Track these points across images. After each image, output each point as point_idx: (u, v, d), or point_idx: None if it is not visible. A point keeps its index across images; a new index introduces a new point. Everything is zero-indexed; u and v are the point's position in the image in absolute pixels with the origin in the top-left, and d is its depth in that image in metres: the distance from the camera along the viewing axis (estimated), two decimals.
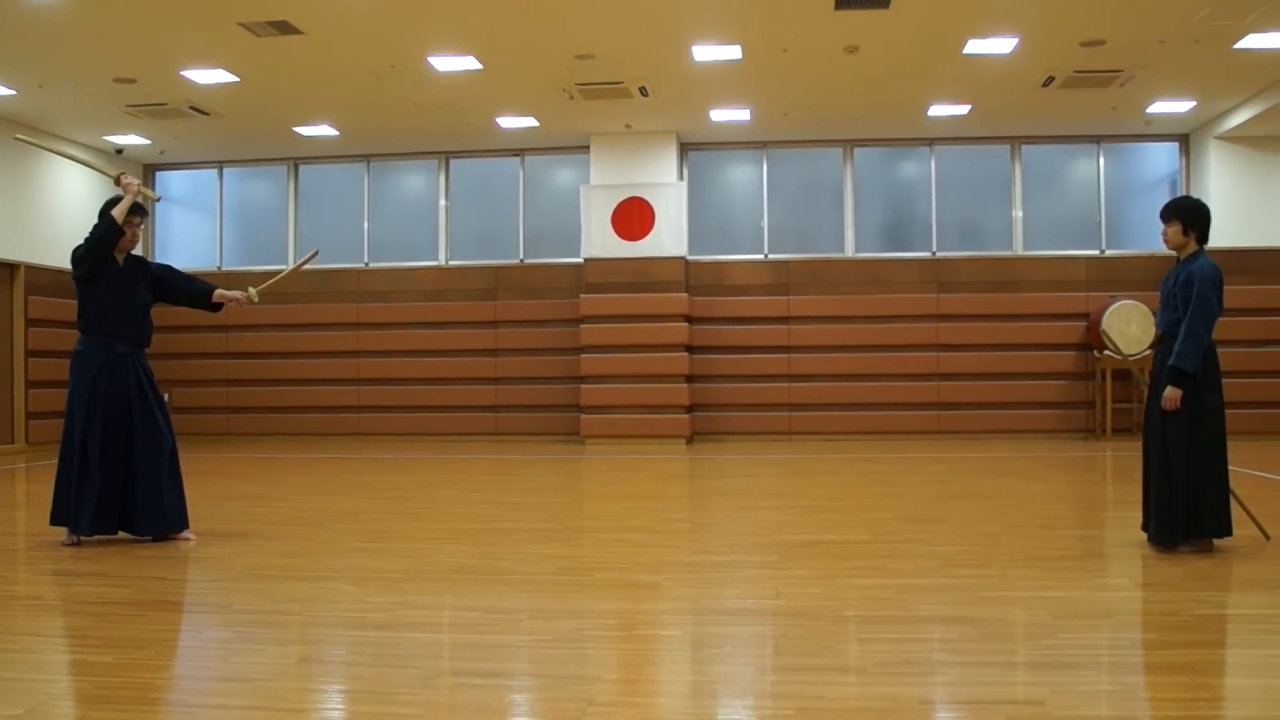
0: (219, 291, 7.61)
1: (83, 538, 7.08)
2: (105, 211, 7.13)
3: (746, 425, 17.23)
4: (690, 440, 16.86)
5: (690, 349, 17.04)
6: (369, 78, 13.70)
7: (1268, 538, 6.77)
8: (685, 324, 16.89)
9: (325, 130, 16.48)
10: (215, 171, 18.78)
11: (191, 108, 14.94)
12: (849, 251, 17.43)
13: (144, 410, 7.29)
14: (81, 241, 7.18)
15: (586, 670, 4.18)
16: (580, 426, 16.92)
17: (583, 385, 16.96)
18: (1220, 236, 16.01)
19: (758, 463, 13.41)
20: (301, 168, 18.57)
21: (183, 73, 13.40)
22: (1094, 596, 5.29)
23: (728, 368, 17.24)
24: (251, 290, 7.68)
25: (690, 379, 17.02)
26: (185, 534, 7.25)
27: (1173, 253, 6.73)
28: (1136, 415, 16.59)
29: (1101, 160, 17.25)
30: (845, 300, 17.07)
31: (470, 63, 13.15)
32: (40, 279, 16.31)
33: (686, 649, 4.57)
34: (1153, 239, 17.27)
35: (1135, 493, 10.38)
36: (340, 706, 3.84)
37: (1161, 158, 17.49)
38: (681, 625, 4.93)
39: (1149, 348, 16.06)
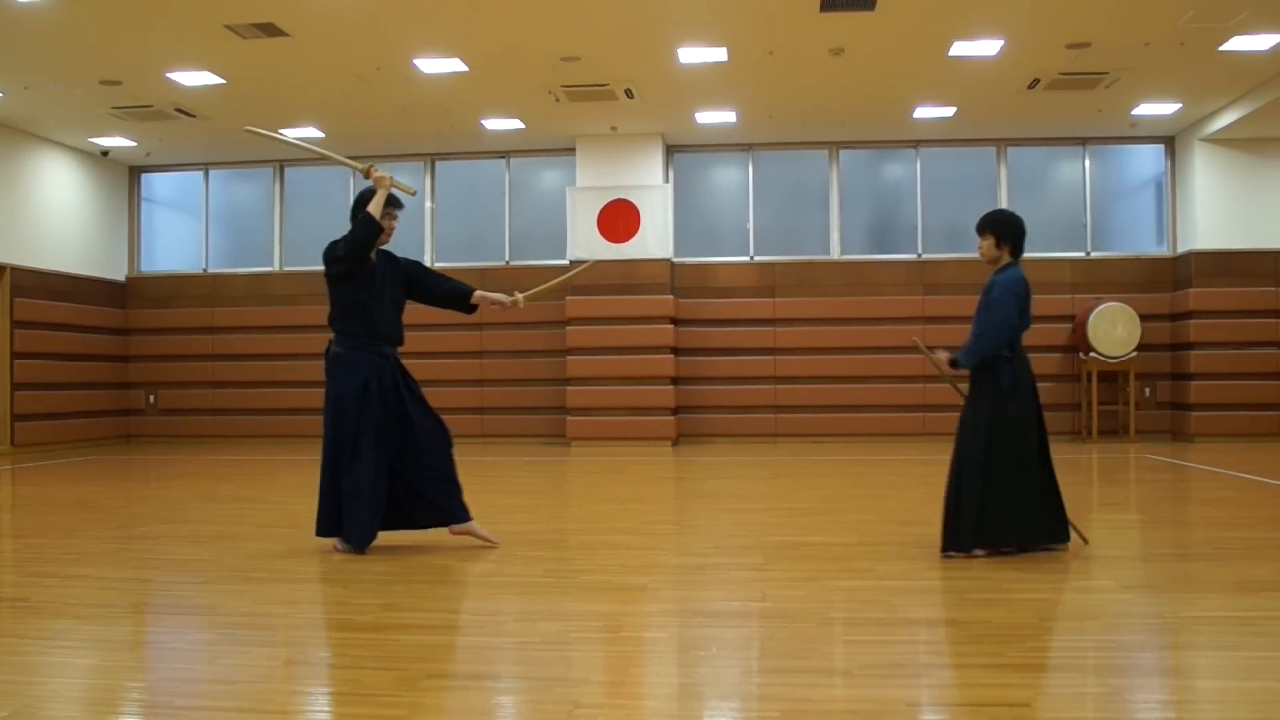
0: (480, 293, 7.22)
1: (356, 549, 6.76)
2: (359, 207, 6.86)
3: (732, 427, 17.24)
4: (676, 442, 16.87)
5: (676, 351, 17.05)
6: (354, 80, 13.68)
7: (1085, 542, 6.75)
8: (671, 326, 16.90)
9: (311, 132, 16.43)
10: (201, 173, 18.74)
11: (177, 109, 14.90)
12: (835, 253, 17.45)
13: (420, 408, 6.93)
14: (339, 240, 6.86)
15: (572, 672, 4.18)
16: (566, 428, 16.91)
17: (569, 387, 16.96)
18: (1206, 239, 16.18)
19: (743, 465, 13.42)
20: (287, 170, 18.54)
21: (168, 75, 13.36)
22: (1080, 598, 5.31)
23: (713, 370, 17.26)
24: (518, 294, 7.29)
25: (676, 381, 17.03)
26: (472, 526, 6.96)
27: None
28: (1123, 418, 16.66)
29: (1087, 162, 17.29)
30: (831, 302, 17.10)
31: (456, 65, 13.14)
32: (27, 281, 16.25)
33: (672, 651, 4.57)
34: (1140, 242, 17.40)
35: (1122, 494, 10.48)
36: (326, 709, 3.83)
37: (1147, 160, 17.53)
38: (667, 627, 4.93)
39: (1134, 350, 16.13)
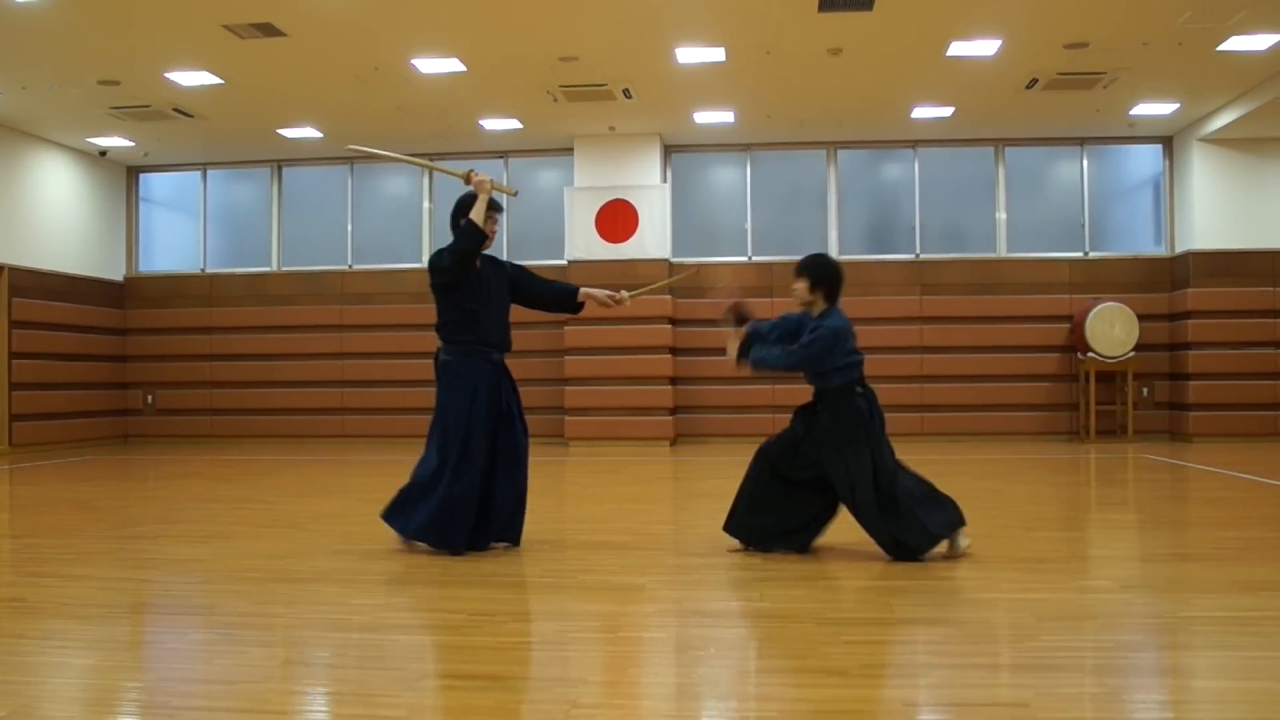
0: (585, 290, 7.13)
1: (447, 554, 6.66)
2: (460, 213, 6.71)
3: (730, 427, 17.23)
4: (674, 442, 16.87)
5: (674, 351, 17.04)
6: (353, 80, 13.68)
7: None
8: (669, 326, 16.90)
9: (309, 132, 16.44)
10: (199, 173, 18.73)
11: (175, 110, 14.90)
12: (832, 253, 17.44)
13: (509, 422, 6.86)
14: (444, 249, 6.70)
15: (570, 672, 4.18)
16: (564, 428, 16.91)
17: (567, 387, 16.96)
18: (1204, 239, 16.19)
19: (742, 465, 13.31)
20: (285, 170, 18.53)
21: (166, 75, 13.36)
22: (1078, 598, 5.30)
23: (712, 369, 17.24)
24: (624, 293, 7.21)
25: (674, 381, 17.02)
26: (504, 545, 6.92)
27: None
28: (1120, 418, 16.66)
29: (1085, 162, 17.30)
30: None
31: (454, 64, 13.14)
32: (25, 281, 16.24)
33: (670, 651, 4.57)
34: (1137, 241, 17.41)
35: (1120, 494, 10.48)
36: (324, 709, 3.83)
37: (1145, 160, 17.54)
38: (665, 627, 4.92)
39: (1133, 350, 16.14)
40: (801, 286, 6.62)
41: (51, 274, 16.83)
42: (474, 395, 6.67)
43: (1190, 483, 11.12)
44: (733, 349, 6.71)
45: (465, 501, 6.58)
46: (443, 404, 6.74)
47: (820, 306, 6.62)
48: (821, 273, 6.61)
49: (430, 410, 6.91)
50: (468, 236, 6.63)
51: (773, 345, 6.62)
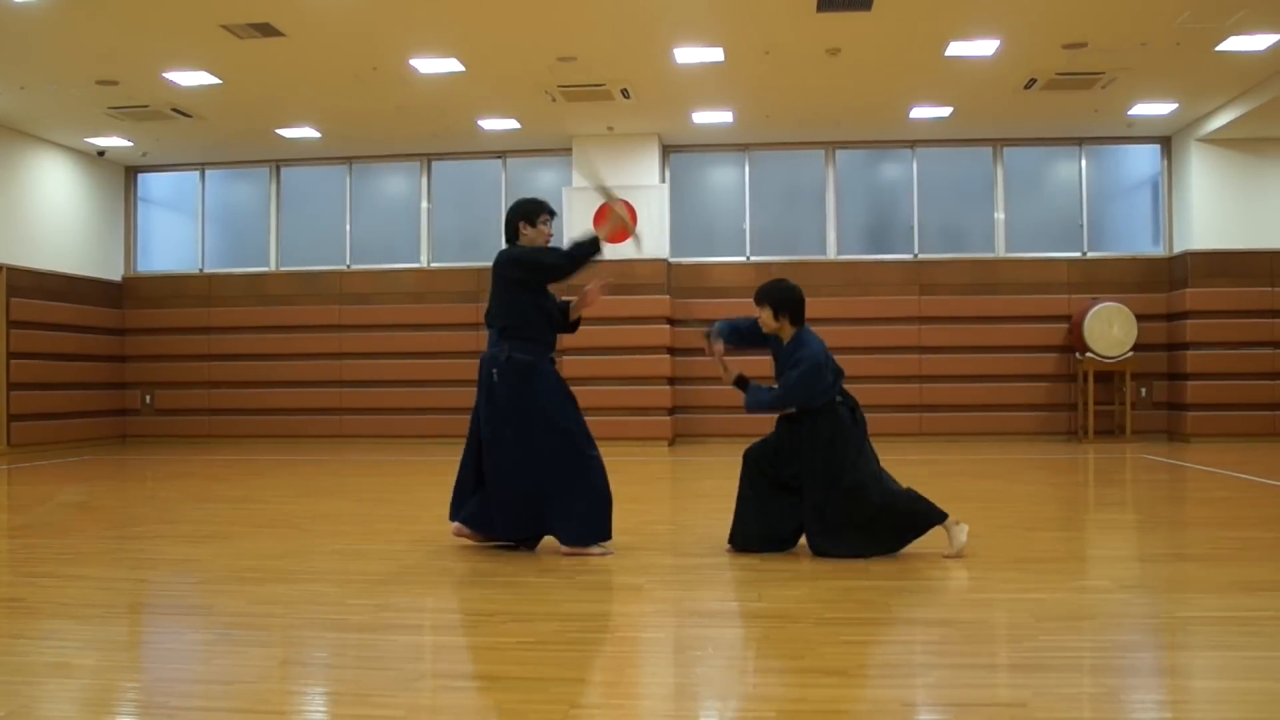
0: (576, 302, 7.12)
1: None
2: (523, 217, 6.85)
3: (729, 427, 17.21)
4: (673, 442, 16.86)
5: (672, 351, 17.03)
6: (351, 80, 13.67)
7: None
8: (667, 326, 16.89)
9: (307, 132, 16.44)
10: (197, 173, 18.72)
11: (174, 110, 14.89)
12: (831, 254, 17.45)
13: None
14: (550, 248, 6.85)
15: (568, 672, 4.17)
16: None
17: None
18: (1203, 239, 16.20)
19: (740, 465, 13.37)
20: (283, 170, 18.52)
21: (165, 75, 13.35)
22: (1076, 598, 5.30)
23: (710, 369, 17.12)
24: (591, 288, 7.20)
25: (672, 381, 17.02)
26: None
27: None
28: (1119, 418, 16.66)
29: (1083, 162, 17.30)
30: (827, 302, 17.03)
31: (452, 64, 13.13)
32: (23, 281, 16.22)
33: (668, 651, 4.57)
34: (1136, 241, 17.41)
35: (1118, 494, 10.48)
36: (322, 709, 3.83)
37: (1144, 160, 17.54)
38: (663, 627, 4.92)
39: (1131, 350, 16.14)
40: (765, 314, 6.68)
41: (50, 274, 16.83)
42: (570, 393, 6.89)
43: (1188, 483, 11.12)
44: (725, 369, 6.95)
45: (609, 496, 6.78)
46: (543, 405, 6.74)
47: (789, 330, 6.69)
48: (781, 297, 6.65)
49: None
50: (595, 243, 6.80)
51: (762, 390, 6.75)
